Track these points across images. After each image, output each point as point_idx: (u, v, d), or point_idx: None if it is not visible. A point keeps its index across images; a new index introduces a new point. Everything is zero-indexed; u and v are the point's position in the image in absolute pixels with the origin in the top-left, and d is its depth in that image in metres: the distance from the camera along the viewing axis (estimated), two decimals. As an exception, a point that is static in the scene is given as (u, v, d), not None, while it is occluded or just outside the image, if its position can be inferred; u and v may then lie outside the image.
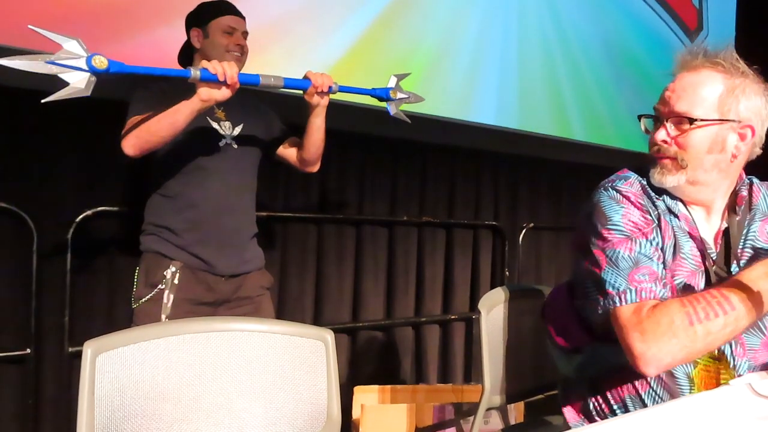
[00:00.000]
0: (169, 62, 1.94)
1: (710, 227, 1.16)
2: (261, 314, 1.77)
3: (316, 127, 1.76)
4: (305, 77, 1.64)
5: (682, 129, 1.11)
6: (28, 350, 1.90)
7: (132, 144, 1.54)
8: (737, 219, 1.16)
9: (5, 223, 1.88)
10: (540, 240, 3.50)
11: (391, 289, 2.84)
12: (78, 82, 1.35)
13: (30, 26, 1.30)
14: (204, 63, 1.46)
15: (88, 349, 0.92)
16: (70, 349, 1.96)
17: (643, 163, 1.20)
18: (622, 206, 1.10)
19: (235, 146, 1.75)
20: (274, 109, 1.93)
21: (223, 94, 1.48)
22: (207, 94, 1.47)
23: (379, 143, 2.76)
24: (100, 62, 1.35)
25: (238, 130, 1.76)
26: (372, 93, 1.82)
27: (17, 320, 1.91)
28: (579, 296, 1.19)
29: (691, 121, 1.09)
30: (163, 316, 1.61)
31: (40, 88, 1.89)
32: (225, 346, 1.03)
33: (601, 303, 1.06)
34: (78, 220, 1.97)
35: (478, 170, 3.18)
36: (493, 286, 3.10)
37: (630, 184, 1.14)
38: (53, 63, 1.31)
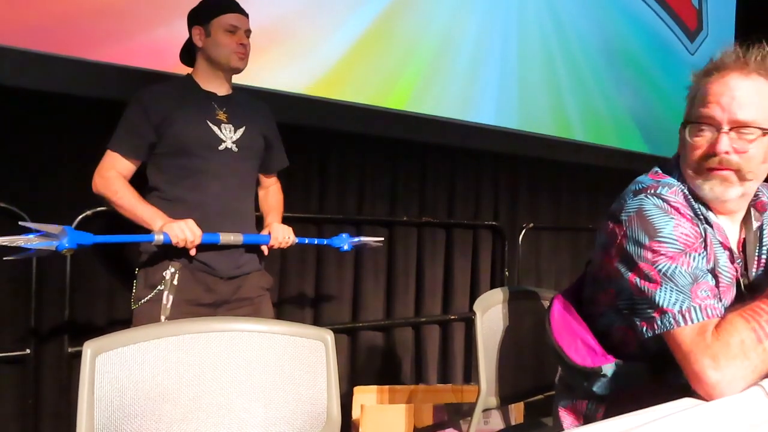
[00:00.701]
0: (168, 62, 1.95)
1: (734, 235, 1.11)
2: (261, 315, 1.75)
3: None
4: (269, 232, 1.79)
5: (748, 139, 1.02)
6: (28, 351, 1.90)
7: (99, 193, 1.66)
8: (757, 225, 1.13)
9: (4, 222, 1.88)
10: (540, 240, 3.50)
11: (390, 290, 2.84)
12: (39, 252, 1.47)
13: (20, 223, 1.47)
14: (170, 229, 1.56)
15: (88, 349, 0.92)
16: (70, 350, 1.96)
17: (663, 166, 1.14)
18: (671, 217, 1.01)
19: (236, 150, 1.72)
20: (269, 106, 1.92)
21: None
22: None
23: (379, 143, 2.76)
24: (68, 251, 1.50)
25: (239, 133, 1.74)
26: (330, 243, 2.03)
27: (17, 321, 1.91)
28: (599, 304, 1.14)
29: (764, 131, 1.01)
30: (163, 317, 1.60)
31: (39, 88, 1.91)
32: (225, 347, 1.03)
33: (659, 322, 0.97)
34: (78, 220, 1.96)
35: (478, 170, 3.18)
36: (493, 286, 3.10)
37: (675, 192, 1.05)
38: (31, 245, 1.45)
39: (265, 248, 1.79)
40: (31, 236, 1.43)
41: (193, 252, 1.61)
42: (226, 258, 1.70)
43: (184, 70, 1.82)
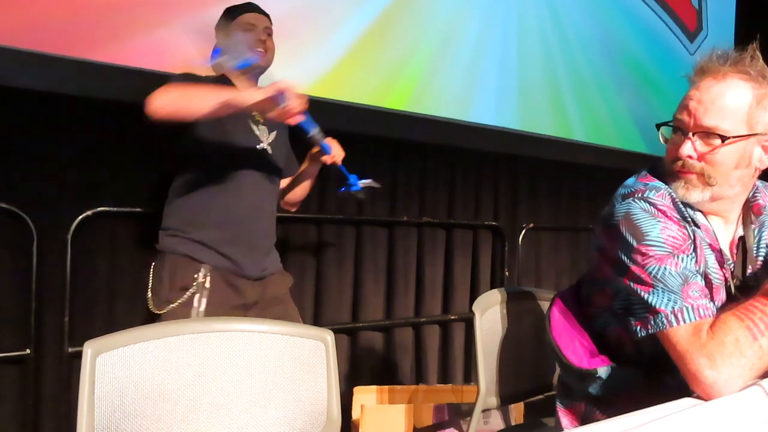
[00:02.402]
0: (168, 62, 1.94)
1: (727, 236, 1.11)
2: (289, 315, 1.76)
3: (313, 173, 1.89)
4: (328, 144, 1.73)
5: (711, 145, 1.03)
6: (28, 351, 1.90)
7: (161, 102, 1.44)
8: (753, 227, 1.13)
9: (5, 223, 1.88)
10: (540, 240, 3.50)
11: (390, 290, 2.83)
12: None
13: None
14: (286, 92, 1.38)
15: (88, 349, 0.92)
16: (70, 350, 1.96)
17: (656, 165, 1.14)
18: (658, 220, 1.02)
19: (270, 151, 1.76)
20: None
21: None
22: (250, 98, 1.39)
23: (379, 143, 2.76)
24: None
25: (273, 136, 1.78)
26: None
27: (17, 320, 1.91)
28: (594, 305, 1.15)
29: (723, 138, 1.02)
30: None
31: (38, 89, 1.91)
32: (225, 347, 1.03)
33: (652, 323, 0.97)
34: (78, 220, 1.96)
35: (478, 170, 3.17)
36: (492, 287, 3.10)
37: (662, 196, 1.05)
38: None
39: (328, 158, 1.75)
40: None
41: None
42: (251, 259, 1.69)
43: (186, 70, 1.81)
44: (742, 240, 1.12)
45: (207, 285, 1.58)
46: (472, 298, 3.07)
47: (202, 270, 1.59)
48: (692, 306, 0.96)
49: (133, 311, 2.09)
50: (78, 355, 1.39)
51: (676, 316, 0.95)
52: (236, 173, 1.66)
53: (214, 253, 1.62)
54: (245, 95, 1.40)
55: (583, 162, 3.56)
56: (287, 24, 2.32)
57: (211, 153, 1.64)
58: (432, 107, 2.82)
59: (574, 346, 1.14)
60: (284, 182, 1.93)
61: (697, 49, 4.23)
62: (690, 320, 0.95)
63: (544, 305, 1.62)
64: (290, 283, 1.86)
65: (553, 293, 1.67)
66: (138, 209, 2.09)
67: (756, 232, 1.14)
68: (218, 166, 1.65)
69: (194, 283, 1.56)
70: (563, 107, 3.44)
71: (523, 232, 3.34)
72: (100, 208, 2.00)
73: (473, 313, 1.49)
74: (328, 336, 1.10)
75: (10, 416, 1.90)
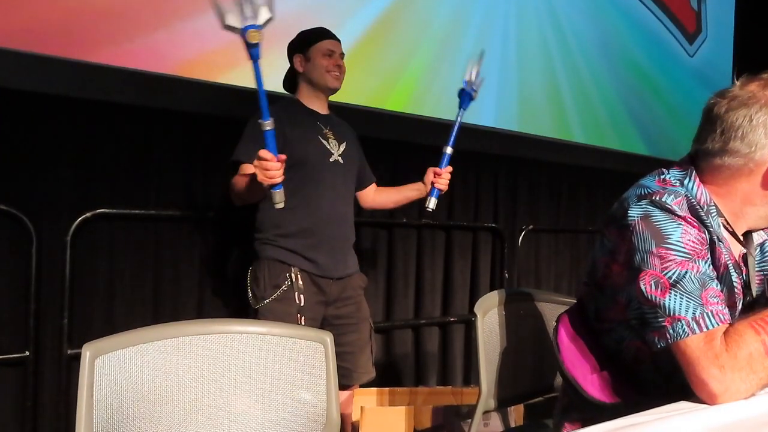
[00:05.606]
0: (167, 64, 1.95)
1: (735, 250, 1.08)
2: (361, 312, 1.99)
3: (410, 198, 2.14)
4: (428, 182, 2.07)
5: None
6: (27, 353, 1.90)
7: (235, 201, 1.80)
8: (759, 241, 1.12)
9: (4, 225, 1.88)
10: (539, 242, 3.49)
11: (390, 291, 2.83)
12: None
13: None
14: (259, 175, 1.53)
15: (87, 351, 0.92)
16: (69, 352, 1.96)
17: (672, 167, 1.10)
18: (679, 224, 0.98)
19: (342, 162, 1.95)
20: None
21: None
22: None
23: (379, 144, 2.76)
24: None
25: (342, 147, 1.97)
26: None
27: (16, 323, 1.91)
28: (606, 320, 1.10)
29: None
30: (300, 315, 1.79)
31: (39, 90, 1.91)
32: (224, 349, 1.03)
33: (671, 331, 0.93)
34: (77, 222, 1.96)
35: (477, 172, 3.17)
36: (492, 288, 3.10)
37: (680, 203, 1.00)
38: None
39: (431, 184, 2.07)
40: None
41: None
42: (336, 260, 1.90)
43: (184, 72, 1.82)
44: (747, 253, 1.11)
45: (300, 283, 1.81)
46: (472, 300, 3.07)
47: (293, 270, 1.82)
48: (712, 312, 0.92)
49: (132, 313, 2.09)
50: (77, 357, 1.38)
51: (698, 323, 0.92)
52: (314, 185, 1.86)
53: (301, 258, 1.84)
54: (260, 185, 1.55)
55: (583, 164, 3.56)
56: (287, 25, 2.32)
57: (290, 170, 1.78)
58: (431, 109, 2.83)
59: (592, 378, 1.10)
60: (364, 196, 2.14)
61: (696, 51, 4.24)
62: (711, 326, 0.91)
63: (545, 307, 1.62)
64: (364, 284, 2.04)
65: (554, 294, 1.67)
66: (137, 211, 2.09)
67: (756, 245, 1.12)
68: (298, 181, 1.83)
69: (287, 282, 1.81)
70: (563, 109, 3.44)
71: (523, 233, 3.34)
72: (99, 210, 2.00)
73: (474, 315, 1.48)
74: (328, 338, 1.10)
75: (8, 418, 1.90)
